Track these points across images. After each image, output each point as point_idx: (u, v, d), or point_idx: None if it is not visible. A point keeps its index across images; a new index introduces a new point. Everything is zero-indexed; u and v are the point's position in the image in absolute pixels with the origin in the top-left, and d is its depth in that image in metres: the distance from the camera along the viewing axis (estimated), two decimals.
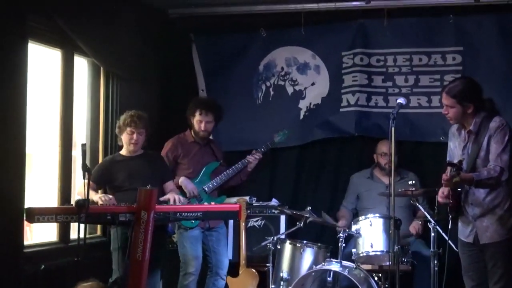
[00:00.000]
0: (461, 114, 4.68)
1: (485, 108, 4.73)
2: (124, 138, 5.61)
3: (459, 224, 4.80)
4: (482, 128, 4.65)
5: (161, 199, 5.42)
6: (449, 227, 4.79)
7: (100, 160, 6.30)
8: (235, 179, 6.21)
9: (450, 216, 4.77)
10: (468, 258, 4.76)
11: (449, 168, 4.49)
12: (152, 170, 5.59)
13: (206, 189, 5.98)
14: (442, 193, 4.74)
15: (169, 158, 6.00)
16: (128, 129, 5.55)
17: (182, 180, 5.90)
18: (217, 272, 6.02)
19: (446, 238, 4.99)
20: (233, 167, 6.12)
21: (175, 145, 6.04)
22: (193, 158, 6.04)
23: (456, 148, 4.81)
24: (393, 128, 4.83)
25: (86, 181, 4.73)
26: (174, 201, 5.39)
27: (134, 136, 5.55)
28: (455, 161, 4.62)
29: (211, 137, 6.33)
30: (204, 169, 6.03)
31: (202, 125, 5.99)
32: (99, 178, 5.54)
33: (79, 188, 5.67)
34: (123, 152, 5.70)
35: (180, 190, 5.86)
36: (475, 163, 4.63)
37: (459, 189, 4.70)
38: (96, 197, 5.32)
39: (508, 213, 4.64)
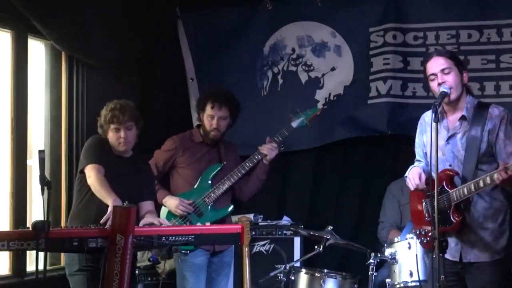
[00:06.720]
0: (460, 84, 4.66)
1: (470, 91, 4.76)
2: (111, 138, 5.40)
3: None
4: (476, 115, 4.64)
5: (142, 223, 5.30)
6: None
7: (63, 172, 6.30)
8: (251, 183, 6.11)
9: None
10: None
11: None
12: (133, 183, 5.42)
13: (206, 199, 5.95)
14: None
15: (164, 158, 5.98)
16: (112, 126, 5.34)
17: (165, 200, 5.92)
18: None
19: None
20: (239, 167, 5.99)
21: (177, 146, 6.00)
22: (196, 162, 6.00)
23: (428, 143, 4.66)
24: (434, 124, 4.81)
25: (45, 198, 4.68)
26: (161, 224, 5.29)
27: (122, 133, 5.35)
28: (422, 158, 4.79)
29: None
30: (202, 175, 6.01)
31: (214, 121, 5.92)
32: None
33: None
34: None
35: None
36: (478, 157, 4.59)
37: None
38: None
39: (501, 228, 4.61)
